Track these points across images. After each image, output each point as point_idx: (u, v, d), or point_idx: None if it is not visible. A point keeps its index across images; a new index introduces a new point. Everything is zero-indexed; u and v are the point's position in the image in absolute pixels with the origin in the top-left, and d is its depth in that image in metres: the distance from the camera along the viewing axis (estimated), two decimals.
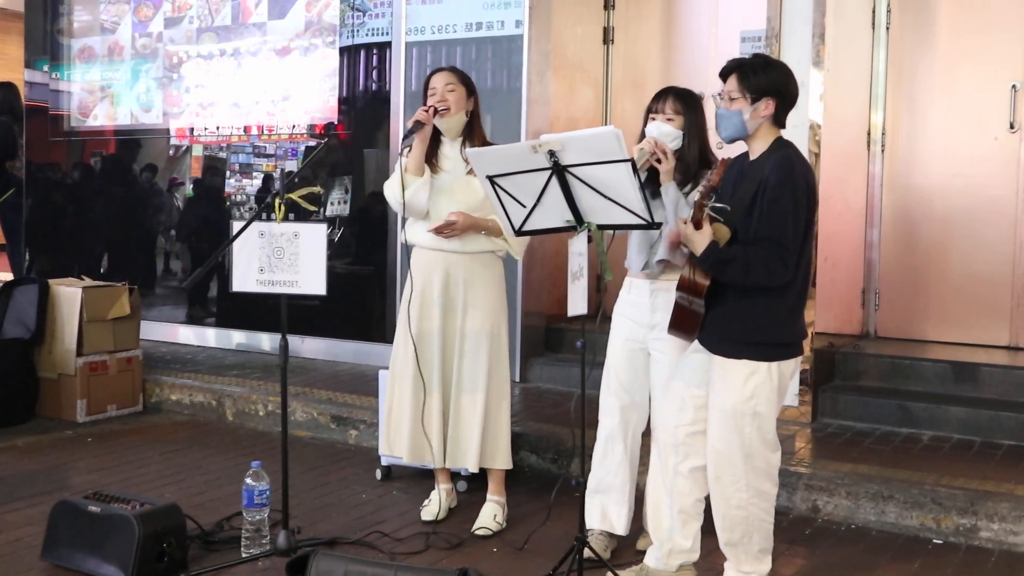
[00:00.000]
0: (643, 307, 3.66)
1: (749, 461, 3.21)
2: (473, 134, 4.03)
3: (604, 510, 3.75)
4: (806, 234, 3.16)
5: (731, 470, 3.22)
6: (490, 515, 4.03)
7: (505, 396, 4.08)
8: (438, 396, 4.01)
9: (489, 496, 4.10)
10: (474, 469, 4.06)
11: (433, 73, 4.07)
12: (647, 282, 3.65)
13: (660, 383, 3.60)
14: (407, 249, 4.12)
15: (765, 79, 3.17)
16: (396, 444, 4.11)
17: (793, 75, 3.26)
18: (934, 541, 3.99)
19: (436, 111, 3.92)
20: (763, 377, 3.18)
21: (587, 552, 3.46)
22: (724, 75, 3.24)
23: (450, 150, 4.02)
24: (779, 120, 3.22)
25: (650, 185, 3.52)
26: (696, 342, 3.30)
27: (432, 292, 4.01)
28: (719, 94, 3.23)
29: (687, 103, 3.59)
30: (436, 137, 4.01)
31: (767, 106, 3.17)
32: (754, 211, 3.12)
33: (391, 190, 3.97)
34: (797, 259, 3.12)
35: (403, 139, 3.95)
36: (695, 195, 3.37)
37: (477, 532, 3.97)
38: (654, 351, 3.64)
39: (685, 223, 3.14)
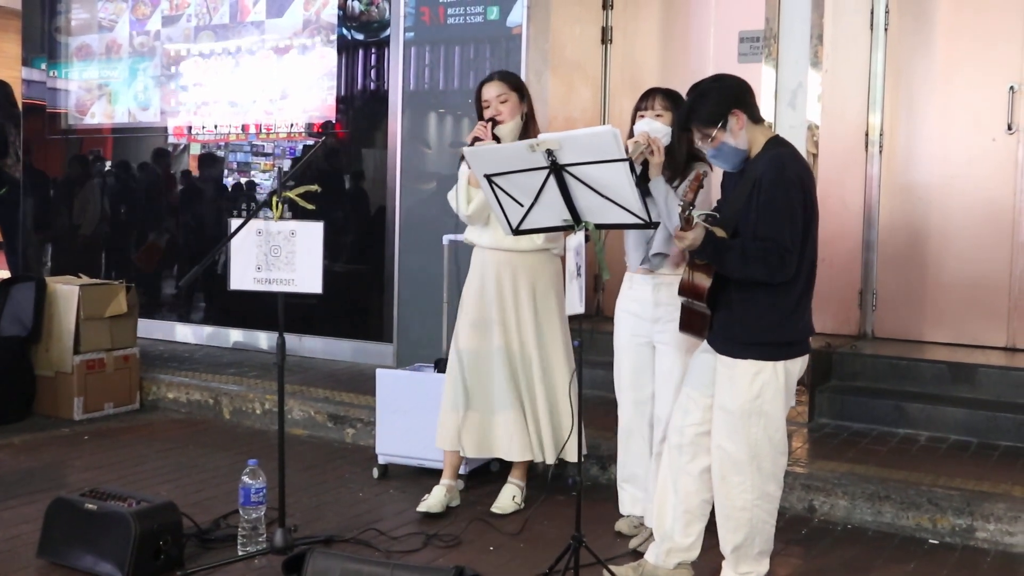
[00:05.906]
0: (646, 302, 3.69)
1: (755, 462, 3.21)
2: (528, 135, 4.02)
3: (633, 497, 3.91)
4: (807, 232, 3.15)
5: (737, 471, 3.21)
6: (509, 496, 4.20)
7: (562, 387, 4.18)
8: (507, 389, 4.13)
9: (511, 479, 4.26)
10: (551, 461, 4.17)
11: (483, 84, 4.12)
12: (649, 277, 3.68)
13: (665, 376, 3.63)
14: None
15: (715, 106, 3.18)
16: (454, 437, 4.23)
17: (729, 77, 3.29)
18: (930, 541, 3.99)
19: (494, 123, 4.02)
20: (769, 376, 3.18)
21: (627, 529, 3.91)
22: (684, 129, 3.30)
23: None
24: (755, 119, 3.24)
25: (640, 182, 3.54)
26: (705, 342, 3.31)
27: (490, 289, 4.13)
28: (699, 142, 3.27)
29: (674, 101, 3.65)
30: (497, 142, 4.04)
31: (737, 119, 3.18)
32: (750, 211, 3.13)
33: (455, 201, 4.11)
34: (799, 257, 3.12)
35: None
36: (685, 186, 3.40)
37: (494, 511, 4.14)
38: (659, 344, 3.67)
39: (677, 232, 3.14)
